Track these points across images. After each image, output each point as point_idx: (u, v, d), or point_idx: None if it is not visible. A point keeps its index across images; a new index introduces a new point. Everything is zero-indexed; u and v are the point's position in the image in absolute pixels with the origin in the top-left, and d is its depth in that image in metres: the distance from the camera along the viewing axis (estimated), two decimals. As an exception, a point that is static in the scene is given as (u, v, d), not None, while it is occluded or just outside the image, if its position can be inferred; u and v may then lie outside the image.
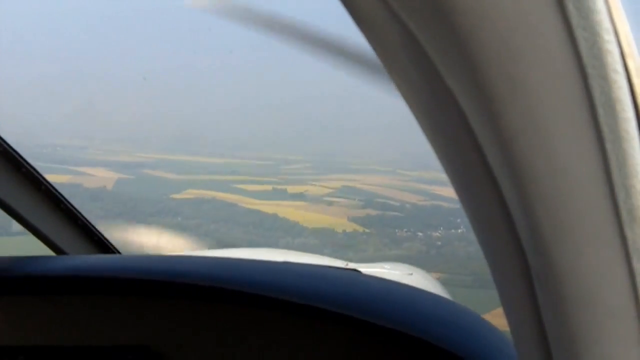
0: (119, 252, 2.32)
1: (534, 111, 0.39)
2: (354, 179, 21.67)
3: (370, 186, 20.58)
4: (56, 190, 2.00)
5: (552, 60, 0.38)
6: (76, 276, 1.37)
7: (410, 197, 18.56)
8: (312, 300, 1.25)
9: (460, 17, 0.38)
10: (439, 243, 15.59)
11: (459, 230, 15.00)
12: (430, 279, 2.73)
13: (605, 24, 0.37)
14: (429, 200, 17.45)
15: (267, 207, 18.14)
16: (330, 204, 19.09)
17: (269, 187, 20.46)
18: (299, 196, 19.62)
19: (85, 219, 2.14)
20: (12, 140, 1.81)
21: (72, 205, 2.08)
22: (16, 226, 2.00)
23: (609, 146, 0.39)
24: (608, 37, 0.38)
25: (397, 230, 16.64)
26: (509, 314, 0.55)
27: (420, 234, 16.18)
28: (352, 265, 2.50)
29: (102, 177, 19.14)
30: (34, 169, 1.89)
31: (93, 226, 2.18)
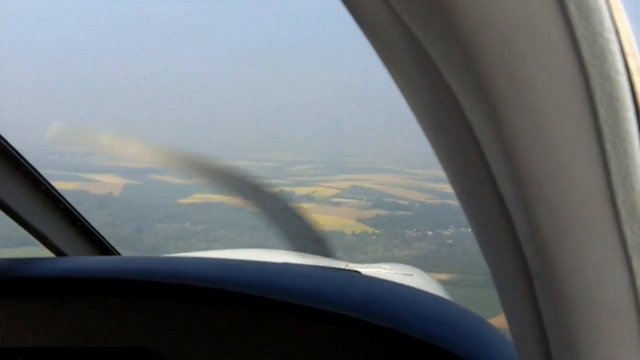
0: (118, 254, 2.32)
1: (535, 111, 0.39)
2: (362, 178, 21.55)
3: (379, 186, 20.45)
4: (56, 190, 1.98)
5: (554, 60, 0.38)
6: (75, 277, 1.37)
7: (419, 195, 18.41)
8: (312, 301, 1.25)
9: (462, 18, 0.38)
10: (450, 241, 15.43)
11: (470, 229, 14.77)
12: (429, 279, 2.71)
13: (607, 23, 0.37)
14: (438, 198, 17.31)
15: (276, 210, 18.03)
16: (338, 205, 18.96)
17: (277, 190, 20.37)
18: (307, 198, 19.49)
19: (85, 219, 2.13)
20: (19, 148, 1.81)
21: (71, 206, 2.06)
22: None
23: (609, 146, 0.39)
24: (609, 37, 0.38)
25: (406, 230, 16.50)
26: (509, 314, 0.55)
27: (430, 233, 16.03)
28: (351, 266, 2.46)
29: (109, 183, 19.12)
30: (34, 168, 1.87)
31: (92, 227, 2.17)
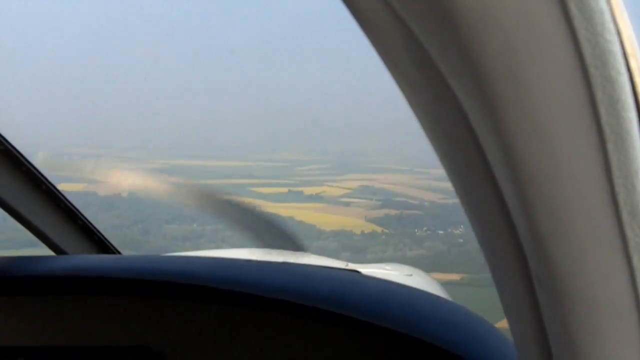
0: (119, 252, 2.31)
1: (536, 111, 0.39)
2: (371, 178, 21.43)
3: (388, 185, 20.33)
4: (57, 189, 1.98)
5: (555, 60, 0.37)
6: (76, 276, 1.36)
7: (428, 195, 18.27)
8: (312, 301, 1.24)
9: (462, 18, 0.38)
10: (461, 240, 15.26)
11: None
12: (429, 279, 2.71)
13: (608, 24, 0.37)
14: (447, 197, 17.15)
15: (284, 210, 17.93)
16: (347, 204, 18.83)
17: (285, 190, 20.24)
18: (316, 198, 19.39)
19: (86, 218, 2.13)
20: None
21: (72, 205, 2.06)
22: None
23: (610, 147, 0.39)
24: (610, 37, 0.37)
25: (416, 230, 16.37)
26: (509, 314, 0.55)
27: (440, 232, 15.89)
28: (351, 266, 2.49)
29: (117, 185, 19.10)
30: (35, 167, 1.87)
31: (93, 226, 2.16)
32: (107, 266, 1.45)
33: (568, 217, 0.42)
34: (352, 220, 17.41)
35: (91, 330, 1.28)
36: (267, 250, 2.49)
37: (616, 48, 0.38)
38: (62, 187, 2.06)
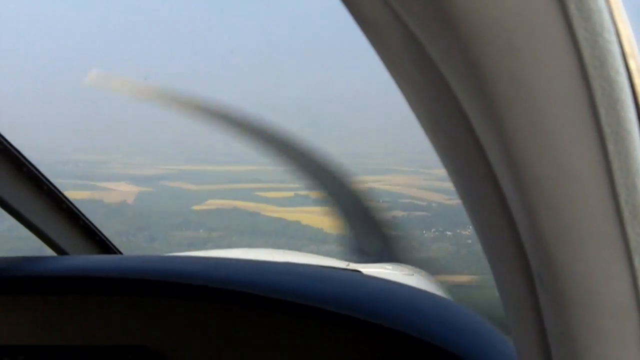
0: (120, 252, 2.32)
1: (536, 111, 0.39)
2: (376, 180, 21.34)
3: (394, 186, 20.23)
4: (58, 190, 1.99)
5: (554, 60, 0.37)
6: (77, 276, 1.36)
7: (435, 196, 18.16)
8: (313, 301, 1.24)
9: (462, 18, 0.38)
10: (469, 241, 15.14)
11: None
12: (430, 279, 2.72)
13: (607, 24, 0.37)
14: (454, 198, 16.99)
15: (290, 214, 17.84)
16: (353, 207, 18.76)
17: (291, 194, 20.16)
18: (322, 201, 19.33)
19: (87, 219, 2.14)
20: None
21: (73, 205, 2.07)
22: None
23: (610, 146, 0.39)
24: (609, 38, 0.37)
25: (424, 231, 16.26)
26: (509, 314, 0.55)
27: (449, 233, 15.77)
28: (352, 266, 2.50)
29: (123, 191, 19.06)
30: (36, 168, 1.87)
31: (94, 226, 2.18)
32: (108, 266, 1.46)
33: (569, 217, 0.42)
34: (359, 223, 17.32)
35: (91, 330, 1.29)
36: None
37: (615, 48, 0.38)
38: (67, 194, 2.08)
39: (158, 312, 1.28)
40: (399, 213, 17.89)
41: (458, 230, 15.64)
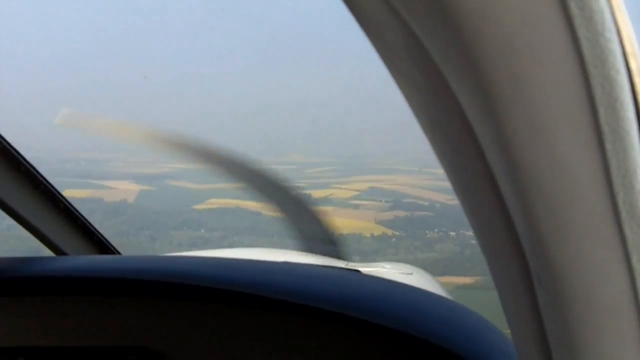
0: (118, 253, 2.31)
1: (535, 110, 0.39)
2: (380, 179, 21.21)
3: (397, 186, 20.10)
4: (55, 189, 1.98)
5: (555, 59, 0.37)
6: (76, 277, 1.36)
7: (438, 196, 18.01)
8: (312, 301, 1.24)
9: (462, 17, 0.37)
10: (473, 242, 15.01)
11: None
12: (430, 278, 2.70)
13: (608, 23, 0.37)
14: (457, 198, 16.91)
15: (291, 213, 17.76)
16: (356, 207, 18.58)
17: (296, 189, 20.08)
18: (324, 201, 19.14)
19: (85, 219, 2.12)
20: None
21: (71, 205, 2.06)
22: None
23: (609, 146, 0.39)
24: (610, 37, 0.37)
25: (427, 231, 16.13)
26: (509, 314, 0.55)
27: (452, 233, 15.62)
28: (351, 265, 2.50)
29: (124, 190, 18.95)
30: (33, 167, 1.86)
31: (92, 226, 2.16)
32: (107, 266, 1.45)
33: (567, 217, 0.42)
34: (362, 223, 17.17)
35: (91, 330, 1.29)
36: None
37: (616, 47, 0.37)
38: (67, 193, 2.06)
39: (158, 312, 1.28)
40: (402, 213, 17.74)
41: (462, 231, 15.48)
